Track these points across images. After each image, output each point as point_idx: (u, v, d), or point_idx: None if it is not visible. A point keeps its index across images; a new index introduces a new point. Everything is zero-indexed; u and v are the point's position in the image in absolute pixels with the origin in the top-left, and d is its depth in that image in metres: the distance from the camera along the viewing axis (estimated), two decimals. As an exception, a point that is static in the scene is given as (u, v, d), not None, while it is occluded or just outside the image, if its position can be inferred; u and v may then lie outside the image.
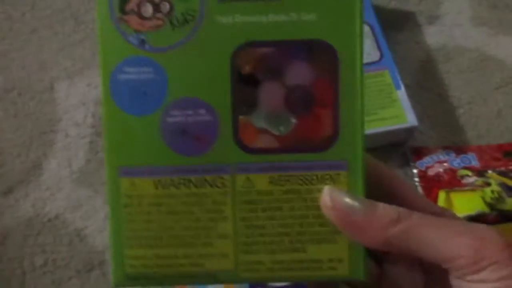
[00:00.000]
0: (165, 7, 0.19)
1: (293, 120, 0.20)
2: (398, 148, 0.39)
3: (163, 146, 0.20)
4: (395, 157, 0.39)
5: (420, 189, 0.36)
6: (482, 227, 0.19)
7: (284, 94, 0.20)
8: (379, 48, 0.39)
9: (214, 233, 0.21)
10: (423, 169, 0.37)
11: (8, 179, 0.39)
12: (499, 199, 0.33)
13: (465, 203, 0.33)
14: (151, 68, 0.20)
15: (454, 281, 0.18)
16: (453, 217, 0.22)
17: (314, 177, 0.20)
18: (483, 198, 0.34)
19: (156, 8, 0.19)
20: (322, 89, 0.20)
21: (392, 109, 0.37)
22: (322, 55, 0.20)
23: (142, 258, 0.21)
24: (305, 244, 0.20)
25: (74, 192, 0.39)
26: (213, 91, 0.20)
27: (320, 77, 0.20)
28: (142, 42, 0.20)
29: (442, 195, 0.35)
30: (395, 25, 0.45)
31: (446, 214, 0.22)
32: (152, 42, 0.20)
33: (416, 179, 0.37)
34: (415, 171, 0.37)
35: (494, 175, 0.36)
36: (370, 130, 0.36)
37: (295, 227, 0.20)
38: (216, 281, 0.21)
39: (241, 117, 0.20)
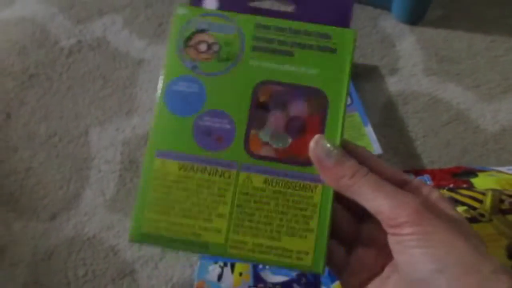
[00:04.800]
0: (216, 47, 0.26)
1: (289, 141, 0.25)
2: None
3: (192, 140, 0.25)
4: (366, 180, 0.47)
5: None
6: (408, 195, 0.22)
7: (286, 121, 0.25)
8: (349, 95, 0.49)
9: (214, 212, 0.24)
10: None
11: (53, 207, 0.47)
12: (447, 208, 0.42)
13: (421, 212, 0.42)
14: (196, 85, 0.25)
15: (386, 230, 0.22)
16: (416, 185, 0.24)
17: (297, 185, 0.25)
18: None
19: (209, 47, 0.26)
20: (314, 122, 0.25)
21: (361, 141, 0.46)
22: (317, 99, 0.25)
23: (156, 221, 0.24)
24: (281, 235, 0.24)
25: (107, 216, 0.46)
26: (236, 109, 0.25)
27: (313, 113, 0.25)
28: (195, 67, 0.26)
29: (403, 208, 0.43)
30: (363, 77, 0.53)
31: (413, 181, 0.25)
32: (202, 68, 0.26)
33: (383, 196, 0.45)
34: (382, 190, 0.46)
35: (444, 191, 0.44)
36: (344, 158, 0.45)
37: (277, 220, 0.24)
38: (208, 252, 0.24)
39: (252, 131, 0.25)
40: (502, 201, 0.42)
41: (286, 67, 0.25)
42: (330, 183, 0.24)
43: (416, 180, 0.25)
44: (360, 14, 0.59)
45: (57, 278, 0.43)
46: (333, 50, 0.25)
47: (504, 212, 0.41)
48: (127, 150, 0.50)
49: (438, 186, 0.45)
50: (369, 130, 0.47)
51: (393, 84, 0.53)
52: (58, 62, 0.56)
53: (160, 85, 0.26)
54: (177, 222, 0.24)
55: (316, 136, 0.25)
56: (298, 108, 0.25)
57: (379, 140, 0.46)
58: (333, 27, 0.26)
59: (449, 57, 0.55)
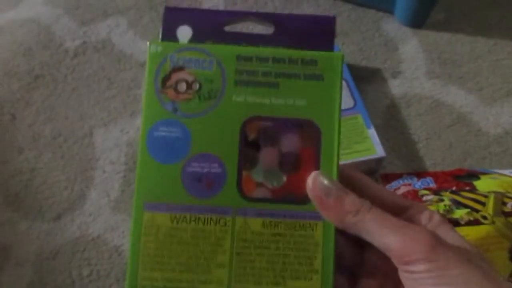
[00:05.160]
0: (196, 85, 0.24)
1: (284, 178, 0.24)
2: (371, 175, 0.48)
3: (181, 189, 0.23)
4: (369, 182, 0.48)
5: (389, 206, 0.45)
6: (419, 230, 0.22)
7: (279, 157, 0.24)
8: (353, 97, 0.49)
9: (213, 263, 0.23)
10: (391, 190, 0.46)
11: (58, 207, 0.47)
12: (449, 210, 0.42)
13: (423, 214, 0.42)
14: (179, 129, 0.24)
15: (397, 266, 0.22)
16: (417, 210, 0.25)
17: (297, 224, 0.23)
18: (437, 210, 0.43)
19: (189, 86, 0.24)
20: (308, 156, 0.24)
21: (364, 144, 0.46)
22: (309, 131, 0.24)
23: (153, 279, 0.23)
24: (286, 279, 0.23)
25: (112, 217, 0.46)
26: (225, 151, 0.24)
27: (306, 146, 0.24)
28: (175, 110, 0.24)
29: (406, 210, 0.44)
30: (366, 79, 0.54)
31: (413, 205, 0.25)
32: (183, 110, 0.24)
33: (386, 198, 0.46)
34: (385, 192, 0.46)
35: (447, 193, 0.45)
36: (347, 160, 0.45)
37: (279, 264, 0.23)
38: None
39: (244, 172, 0.24)
40: (504, 203, 0.42)
41: (272, 100, 0.24)
42: (333, 222, 0.23)
43: (416, 205, 0.25)
44: (363, 17, 0.59)
45: (62, 278, 0.43)
46: (320, 77, 0.24)
47: (506, 215, 0.41)
48: (131, 151, 0.50)
49: (441, 188, 0.46)
50: (372, 132, 0.47)
51: (396, 87, 0.54)
52: (63, 63, 0.57)
53: (140, 131, 0.24)
54: (175, 278, 0.23)
55: (313, 174, 0.23)
56: (290, 143, 0.24)
57: (381, 142, 0.46)
58: (318, 52, 0.24)
59: (452, 60, 0.55)
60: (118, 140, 0.51)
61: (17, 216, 0.47)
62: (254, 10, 0.61)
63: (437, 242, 0.21)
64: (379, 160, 0.46)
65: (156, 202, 0.24)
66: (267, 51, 0.24)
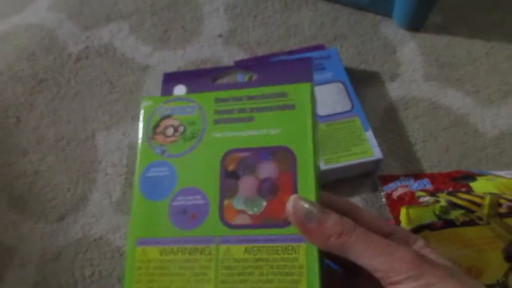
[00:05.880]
0: (181, 129, 0.27)
1: (264, 203, 0.25)
2: (369, 177, 0.48)
3: (169, 223, 0.25)
4: (367, 183, 0.48)
5: (387, 208, 0.46)
6: (403, 249, 0.22)
7: (257, 184, 0.25)
8: (350, 100, 0.50)
9: None
10: (389, 192, 0.47)
11: (61, 209, 0.48)
12: (445, 211, 0.43)
13: (420, 215, 0.43)
14: (167, 168, 0.26)
15: (385, 287, 0.22)
16: (401, 235, 0.25)
17: (279, 248, 0.23)
18: (433, 211, 0.43)
19: (175, 130, 0.27)
20: (285, 180, 0.24)
21: (362, 146, 0.47)
22: (285, 156, 0.25)
23: None
24: None
25: (114, 218, 0.47)
26: (207, 183, 0.25)
27: (283, 171, 0.25)
28: (164, 152, 0.26)
29: (403, 210, 0.44)
30: (364, 82, 0.54)
31: (397, 231, 0.25)
32: (170, 151, 0.26)
33: (384, 199, 0.46)
34: (382, 193, 0.47)
35: (443, 195, 0.45)
36: (345, 162, 0.46)
37: None
38: None
39: (225, 201, 0.25)
40: (500, 204, 0.42)
41: (248, 133, 0.26)
42: (317, 245, 0.23)
43: (400, 230, 0.26)
44: (362, 21, 0.60)
45: (65, 278, 0.44)
46: (291, 107, 0.26)
47: (501, 216, 0.41)
48: (133, 154, 0.51)
49: (437, 190, 0.46)
50: (369, 135, 0.48)
51: (394, 90, 0.54)
52: (66, 67, 0.58)
53: (135, 175, 0.26)
54: None
55: (292, 198, 0.23)
56: (267, 169, 0.25)
57: (379, 144, 0.47)
58: (288, 85, 0.26)
59: (449, 63, 0.56)
60: (120, 143, 0.52)
61: (20, 218, 0.48)
62: (254, 14, 0.61)
63: (422, 260, 0.21)
64: (376, 162, 0.47)
65: (146, 238, 0.25)
66: (242, 91, 0.27)
